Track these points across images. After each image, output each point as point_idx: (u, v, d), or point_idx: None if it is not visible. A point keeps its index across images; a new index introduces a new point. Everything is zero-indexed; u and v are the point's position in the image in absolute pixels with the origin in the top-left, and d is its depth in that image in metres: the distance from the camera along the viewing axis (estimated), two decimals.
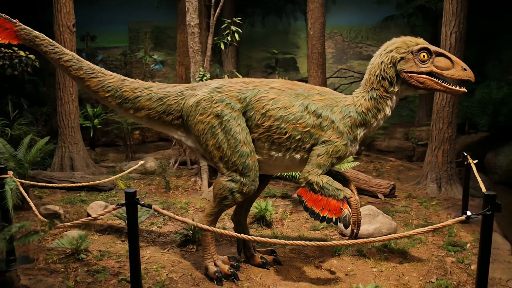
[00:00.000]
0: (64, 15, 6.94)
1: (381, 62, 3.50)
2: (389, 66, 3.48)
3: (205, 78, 6.47)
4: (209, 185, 6.64)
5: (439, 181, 6.37)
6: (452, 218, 5.38)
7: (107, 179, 4.96)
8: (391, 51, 3.49)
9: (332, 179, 3.53)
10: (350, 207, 3.47)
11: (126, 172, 5.06)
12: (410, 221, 5.25)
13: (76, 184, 4.94)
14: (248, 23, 11.69)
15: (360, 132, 3.63)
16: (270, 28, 11.88)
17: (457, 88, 3.46)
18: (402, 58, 3.47)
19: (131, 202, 2.97)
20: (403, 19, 9.20)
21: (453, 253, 4.31)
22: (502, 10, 9.53)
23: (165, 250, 4.44)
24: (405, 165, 8.09)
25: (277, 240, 3.30)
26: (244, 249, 4.17)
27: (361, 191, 6.13)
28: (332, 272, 4.00)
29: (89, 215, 5.21)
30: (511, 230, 5.13)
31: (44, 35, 4.02)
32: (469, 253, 4.29)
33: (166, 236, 4.85)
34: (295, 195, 6.44)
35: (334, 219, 3.43)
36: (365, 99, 3.59)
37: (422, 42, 3.48)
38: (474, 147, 8.51)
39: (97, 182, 5.12)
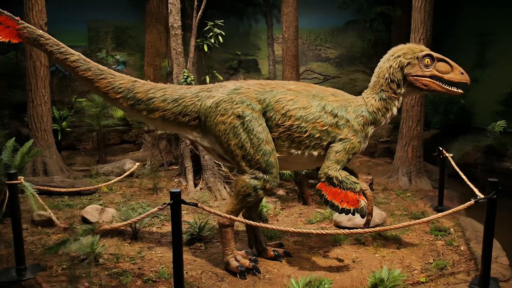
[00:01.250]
0: (36, 14, 6.65)
1: (390, 66, 3.87)
2: (397, 70, 3.86)
3: (189, 79, 6.54)
4: (195, 186, 6.71)
5: (409, 174, 6.95)
6: (429, 207, 5.95)
7: (107, 183, 4.90)
8: (399, 56, 3.86)
9: (349, 174, 3.83)
10: (365, 199, 3.79)
11: (124, 175, 5.05)
12: (395, 211, 5.72)
13: (77, 189, 4.82)
14: None
15: (371, 130, 3.97)
16: (231, 30, 12.00)
17: (455, 89, 3.91)
18: (409, 63, 3.85)
19: (177, 202, 3.04)
20: (365, 24, 9.82)
21: (440, 237, 4.80)
22: (449, 15, 10.41)
23: None
24: (372, 161, 8.68)
25: (302, 229, 3.54)
26: (256, 244, 4.36)
27: None
28: (340, 260, 4.31)
29: (85, 219, 5.11)
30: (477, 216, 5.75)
31: (48, 35, 3.92)
32: (455, 237, 4.81)
33: (169, 236, 4.88)
34: (279, 193, 6.73)
35: (352, 210, 3.74)
36: (375, 99, 3.93)
37: (425, 49, 3.89)
38: (426, 143, 9.30)
39: (97, 186, 5.02)
